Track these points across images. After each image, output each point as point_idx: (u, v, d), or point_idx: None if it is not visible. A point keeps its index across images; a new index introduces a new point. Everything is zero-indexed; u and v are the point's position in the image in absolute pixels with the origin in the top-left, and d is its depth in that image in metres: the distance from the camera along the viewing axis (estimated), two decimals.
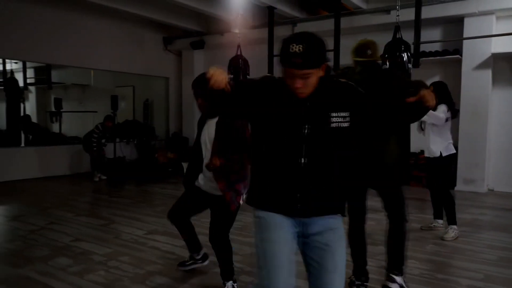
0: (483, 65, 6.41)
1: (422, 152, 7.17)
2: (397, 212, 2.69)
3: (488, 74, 6.39)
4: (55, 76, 11.74)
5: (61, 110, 9.78)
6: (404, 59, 4.98)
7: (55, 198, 5.73)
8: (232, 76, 6.60)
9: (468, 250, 3.57)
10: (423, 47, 6.82)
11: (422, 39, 6.76)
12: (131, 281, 2.85)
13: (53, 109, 9.77)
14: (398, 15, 5.25)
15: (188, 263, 3.02)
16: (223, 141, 2.57)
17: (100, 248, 3.52)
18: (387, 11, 6.88)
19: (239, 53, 6.63)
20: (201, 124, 2.76)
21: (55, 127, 10.75)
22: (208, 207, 2.74)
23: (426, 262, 3.28)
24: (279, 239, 1.64)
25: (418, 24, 5.71)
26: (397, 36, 5.13)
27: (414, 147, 7.29)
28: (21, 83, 10.31)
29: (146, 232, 4.00)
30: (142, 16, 8.00)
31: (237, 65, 6.50)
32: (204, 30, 8.94)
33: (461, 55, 6.55)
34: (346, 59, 5.20)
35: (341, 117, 1.63)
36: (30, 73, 12.05)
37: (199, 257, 3.00)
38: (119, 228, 4.16)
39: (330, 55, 6.35)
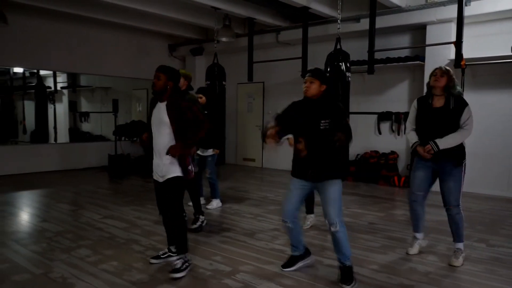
0: None
1: (392, 152, 7.58)
2: None
3: None
4: (84, 80, 13.06)
5: (78, 111, 11.00)
6: (342, 68, 5.49)
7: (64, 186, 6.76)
8: (208, 82, 7.34)
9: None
10: (392, 53, 7.22)
11: (391, 46, 7.21)
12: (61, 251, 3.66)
13: (69, 111, 10.97)
14: (339, 28, 5.75)
15: (163, 256, 3.39)
16: (179, 124, 3.06)
17: (55, 227, 4.40)
18: (357, 19, 7.32)
19: (216, 61, 7.34)
20: (153, 105, 3.20)
21: (85, 127, 12.13)
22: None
23: None
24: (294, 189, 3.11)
25: (372, 32, 6.12)
26: (337, 47, 5.63)
27: (385, 147, 7.67)
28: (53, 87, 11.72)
29: (102, 217, 4.86)
30: (149, 29, 9.03)
31: (213, 73, 7.21)
32: (203, 37, 9.74)
33: (423, 61, 6.86)
34: (316, 65, 5.79)
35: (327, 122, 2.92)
36: (63, 77, 13.47)
37: (175, 250, 3.30)
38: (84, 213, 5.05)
39: (294, 62, 6.94)
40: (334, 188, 2.98)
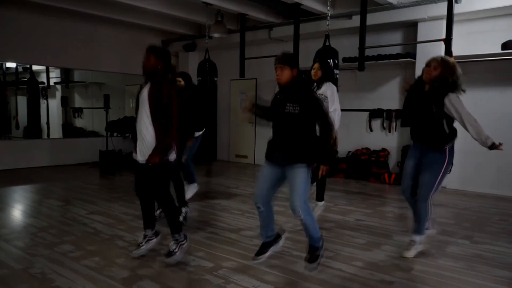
0: None
1: (383, 149, 7.57)
2: None
3: None
4: (77, 75, 13.01)
5: (71, 107, 10.97)
6: (330, 64, 5.47)
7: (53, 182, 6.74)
8: (200, 78, 7.31)
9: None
10: (384, 51, 7.21)
11: (382, 43, 7.19)
12: (44, 247, 3.65)
13: (61, 106, 10.93)
14: (328, 24, 5.73)
15: (142, 244, 3.38)
16: (156, 105, 3.08)
17: (40, 223, 4.39)
18: (349, 16, 7.30)
19: (207, 57, 7.32)
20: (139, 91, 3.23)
21: (78, 122, 12.09)
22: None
23: None
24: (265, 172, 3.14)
25: (363, 29, 6.11)
26: (326, 44, 5.61)
27: (376, 145, 7.68)
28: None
29: (89, 212, 4.84)
30: (142, 25, 8.96)
31: (204, 69, 7.18)
32: (196, 33, 9.70)
33: (415, 58, 6.86)
34: (308, 62, 5.76)
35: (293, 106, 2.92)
36: (57, 73, 13.40)
37: (152, 232, 3.42)
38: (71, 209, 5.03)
39: None
40: (300, 175, 2.95)
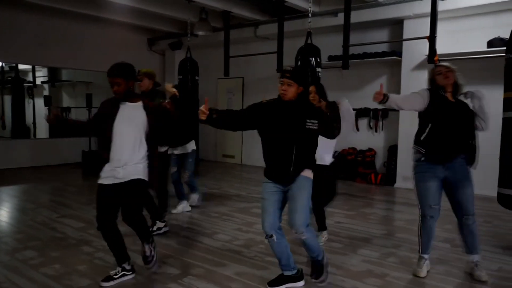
0: (420, 66, 6.58)
1: (369, 149, 7.46)
2: None
3: (424, 74, 6.52)
4: (65, 74, 12.81)
5: (54, 107, 10.81)
6: (312, 63, 5.34)
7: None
8: (180, 77, 7.16)
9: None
10: (370, 49, 7.09)
11: (368, 41, 7.06)
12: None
13: (44, 106, 10.75)
14: (309, 22, 5.60)
15: (117, 276, 2.93)
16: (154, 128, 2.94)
17: (7, 227, 4.23)
18: (334, 13, 7.17)
19: (189, 55, 7.17)
20: (112, 107, 2.91)
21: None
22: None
23: None
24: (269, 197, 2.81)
25: (347, 27, 5.97)
26: (308, 41, 5.48)
27: (363, 144, 7.56)
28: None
29: (60, 216, 4.69)
30: (128, 23, 8.81)
31: (185, 67, 7.04)
32: (182, 31, 9.53)
33: (400, 56, 6.74)
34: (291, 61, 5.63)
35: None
36: (44, 72, 13.20)
37: (129, 267, 3.01)
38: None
39: (274, 56, 6.76)
40: (303, 189, 2.76)
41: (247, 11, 7.88)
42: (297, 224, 2.70)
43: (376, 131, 7.45)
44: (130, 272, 3.00)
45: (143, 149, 2.93)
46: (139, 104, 2.97)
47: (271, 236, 2.76)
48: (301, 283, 2.96)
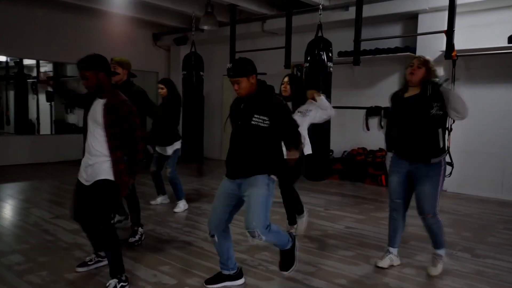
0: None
1: (380, 150, 7.16)
2: None
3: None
4: (70, 70, 12.62)
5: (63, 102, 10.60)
6: (323, 57, 5.04)
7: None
8: (185, 73, 6.90)
9: None
10: (382, 44, 6.78)
11: (381, 36, 6.74)
12: None
13: (46, 101, 10.57)
14: (320, 14, 5.30)
15: (92, 262, 3.00)
16: (116, 130, 2.65)
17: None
18: (345, 7, 6.86)
19: (193, 50, 6.91)
20: (90, 100, 2.75)
21: (71, 118, 11.71)
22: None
23: None
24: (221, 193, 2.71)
25: (359, 21, 5.67)
26: (319, 35, 5.18)
27: (373, 144, 7.25)
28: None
29: (53, 216, 4.45)
30: (134, 17, 8.57)
31: (190, 62, 6.78)
32: (188, 26, 9.27)
33: (414, 52, 6.42)
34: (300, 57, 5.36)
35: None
36: (49, 67, 13.03)
37: (105, 254, 2.88)
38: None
39: (283, 52, 6.46)
40: (259, 190, 2.51)
41: (254, 5, 7.60)
42: (251, 225, 2.45)
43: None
44: (106, 259, 2.90)
45: (105, 150, 2.67)
46: (103, 101, 2.69)
47: (213, 235, 2.69)
48: (240, 281, 2.88)
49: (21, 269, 3.03)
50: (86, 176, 2.72)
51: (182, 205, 4.93)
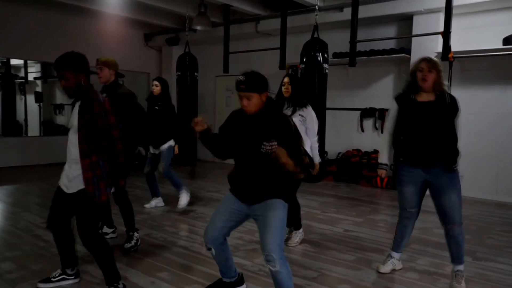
0: None
1: (375, 151, 7.14)
2: None
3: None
4: None
5: (53, 103, 10.44)
6: (319, 59, 5.00)
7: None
8: (179, 73, 6.81)
9: None
10: (377, 46, 6.75)
11: (375, 37, 6.72)
12: None
13: (35, 102, 10.37)
14: (316, 15, 5.26)
15: (56, 278, 2.78)
16: (88, 132, 2.43)
17: None
18: (340, 8, 6.83)
19: (187, 50, 6.82)
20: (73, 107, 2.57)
21: (60, 119, 11.50)
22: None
23: None
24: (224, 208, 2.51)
25: (354, 22, 5.64)
26: (315, 36, 5.14)
27: (368, 146, 7.23)
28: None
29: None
30: (125, 17, 8.42)
31: (184, 63, 6.68)
32: (180, 26, 9.16)
33: (409, 54, 6.41)
34: (297, 58, 5.29)
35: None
36: (37, 67, 12.77)
37: (72, 272, 2.82)
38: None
39: (276, 53, 6.41)
40: (277, 213, 2.31)
41: (248, 5, 7.53)
42: (271, 250, 2.20)
43: (382, 132, 7.09)
44: (72, 277, 2.82)
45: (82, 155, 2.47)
46: (79, 103, 2.49)
47: (210, 248, 2.52)
48: (242, 287, 2.78)
49: (13, 277, 2.91)
50: (67, 182, 2.57)
51: (185, 198, 4.84)
